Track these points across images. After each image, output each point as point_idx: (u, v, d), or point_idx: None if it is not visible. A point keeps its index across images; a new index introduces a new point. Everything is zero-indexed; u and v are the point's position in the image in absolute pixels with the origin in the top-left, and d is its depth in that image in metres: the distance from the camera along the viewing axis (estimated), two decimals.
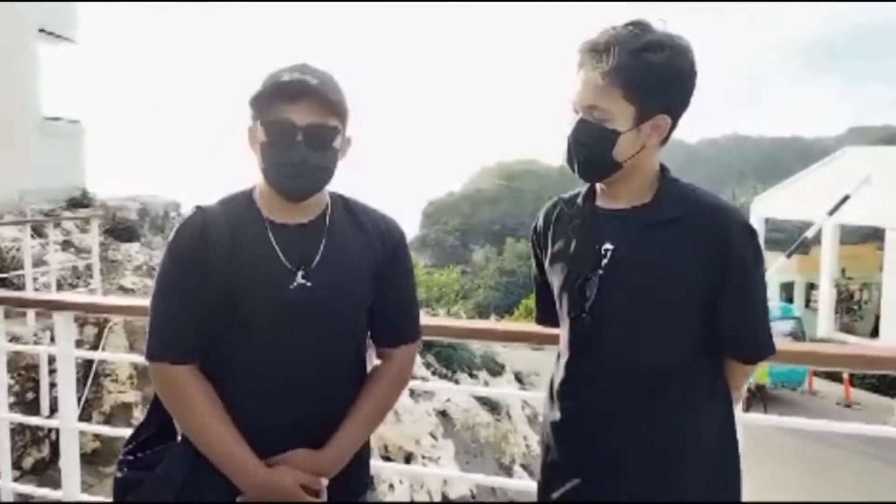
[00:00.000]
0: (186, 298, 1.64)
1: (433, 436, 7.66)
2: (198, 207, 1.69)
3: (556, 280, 1.74)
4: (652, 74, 1.55)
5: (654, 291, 1.60)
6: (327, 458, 1.66)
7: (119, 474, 1.73)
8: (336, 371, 1.70)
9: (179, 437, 1.71)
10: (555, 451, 1.72)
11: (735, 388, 1.71)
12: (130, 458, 1.73)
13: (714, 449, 1.64)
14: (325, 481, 1.64)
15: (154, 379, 1.67)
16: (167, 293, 1.67)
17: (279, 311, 1.64)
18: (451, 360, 8.91)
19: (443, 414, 8.23)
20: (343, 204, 1.78)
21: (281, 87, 1.58)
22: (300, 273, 1.65)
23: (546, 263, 1.79)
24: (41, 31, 11.28)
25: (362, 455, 1.79)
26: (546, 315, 1.90)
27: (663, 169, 1.69)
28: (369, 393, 1.75)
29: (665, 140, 1.65)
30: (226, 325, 1.63)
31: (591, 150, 1.61)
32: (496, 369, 10.50)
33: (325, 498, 1.65)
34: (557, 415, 1.71)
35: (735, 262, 1.57)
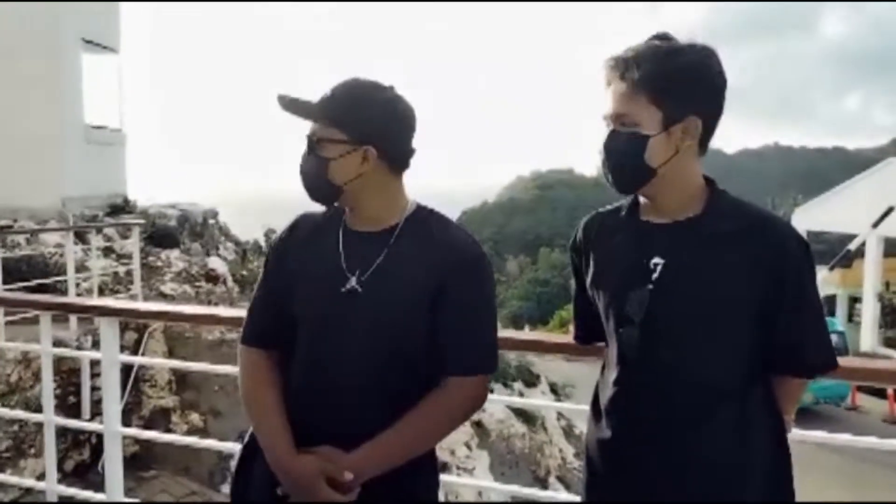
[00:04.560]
0: (266, 288, 1.80)
1: (468, 446, 7.64)
2: (302, 214, 1.84)
3: (601, 295, 1.69)
4: (676, 75, 1.54)
5: (708, 306, 1.56)
6: (351, 461, 1.60)
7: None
8: (378, 382, 1.65)
9: None
10: (603, 469, 1.68)
11: (787, 410, 1.66)
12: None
13: (769, 467, 1.60)
14: (349, 475, 1.58)
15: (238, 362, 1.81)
16: (258, 285, 1.84)
17: (327, 310, 1.66)
18: None
19: (478, 424, 8.19)
20: (424, 218, 1.74)
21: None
22: (354, 277, 1.66)
23: (588, 279, 1.75)
24: (85, 40, 11.53)
25: (425, 464, 1.73)
26: (586, 331, 1.87)
27: (711, 182, 1.65)
28: (409, 416, 1.64)
29: (703, 148, 1.62)
30: (285, 317, 1.71)
31: (623, 157, 1.58)
32: (531, 380, 10.45)
33: (353, 495, 1.60)
34: (607, 432, 1.66)
35: (791, 275, 1.53)
